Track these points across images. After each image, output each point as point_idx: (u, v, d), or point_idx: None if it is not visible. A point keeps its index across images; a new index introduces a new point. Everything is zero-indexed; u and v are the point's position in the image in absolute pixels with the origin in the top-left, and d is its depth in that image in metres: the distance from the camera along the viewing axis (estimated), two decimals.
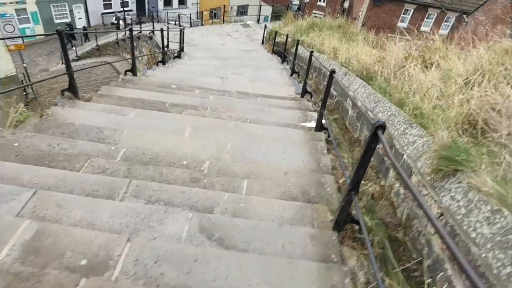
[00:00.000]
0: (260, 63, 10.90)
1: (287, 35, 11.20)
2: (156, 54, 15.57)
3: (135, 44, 20.83)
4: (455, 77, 3.78)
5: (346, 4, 42.01)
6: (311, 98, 6.70)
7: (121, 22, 26.56)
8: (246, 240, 2.27)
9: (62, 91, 4.59)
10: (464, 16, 23.01)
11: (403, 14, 28.40)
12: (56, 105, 4.37)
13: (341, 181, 3.42)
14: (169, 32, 12.80)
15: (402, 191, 3.05)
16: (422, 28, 28.33)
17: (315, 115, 5.47)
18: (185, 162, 3.30)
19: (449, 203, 2.21)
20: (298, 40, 8.63)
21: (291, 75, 9.06)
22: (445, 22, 28.03)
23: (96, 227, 2.27)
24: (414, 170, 2.89)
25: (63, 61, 25.08)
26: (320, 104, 4.58)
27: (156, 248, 2.08)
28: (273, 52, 13.55)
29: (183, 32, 11.89)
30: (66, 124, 3.81)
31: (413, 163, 2.94)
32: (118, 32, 23.61)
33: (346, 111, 5.61)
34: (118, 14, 27.69)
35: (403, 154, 3.21)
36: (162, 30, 8.14)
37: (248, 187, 2.98)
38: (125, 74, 6.62)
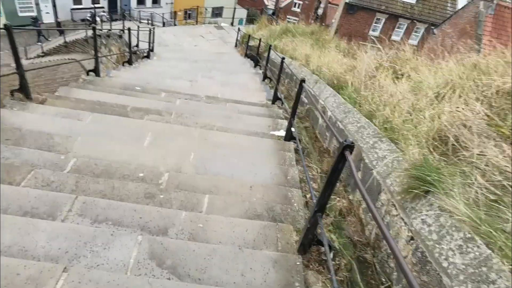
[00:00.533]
0: (232, 67, 10.69)
1: (260, 39, 11.07)
2: (125, 54, 15.08)
3: (104, 42, 20.05)
4: (426, 89, 3.73)
5: (320, 11, 42.70)
6: (282, 105, 6.56)
7: (97, 18, 25.47)
8: (202, 267, 2.04)
9: (12, 91, 4.19)
10: (432, 28, 23.85)
11: (375, 23, 29.07)
12: (3, 106, 3.97)
13: (308, 195, 3.26)
14: (140, 32, 12.36)
15: None
16: (393, 38, 29.15)
17: (285, 123, 5.33)
18: (141, 175, 3.03)
19: (420, 227, 2.09)
20: (271, 46, 8.50)
21: (263, 80, 8.91)
22: (414, 32, 28.95)
23: (28, 254, 1.97)
24: (383, 188, 2.77)
25: (27, 57, 23.86)
26: (290, 112, 4.43)
27: (97, 280, 1.81)
28: (246, 56, 13.39)
29: (153, 32, 11.49)
30: (12, 129, 3.43)
31: (382, 180, 2.82)
32: (87, 30, 22.70)
33: (317, 119, 5.50)
34: (94, 11, 26.61)
35: (372, 170, 3.10)
36: (129, 29, 7.77)
37: (209, 203, 2.76)
38: (87, 74, 6.22)
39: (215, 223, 2.47)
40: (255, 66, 11.19)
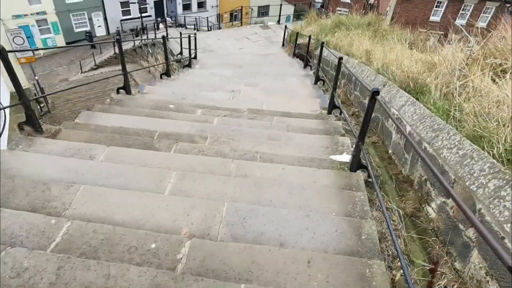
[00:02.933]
0: (279, 70, 9.68)
1: (310, 36, 9.93)
2: (171, 62, 14.74)
3: (150, 51, 20.05)
4: None
5: (371, 0, 40.00)
6: (340, 114, 5.43)
7: (161, 25, 25.35)
8: None
9: (19, 124, 3.58)
10: (508, 5, 20.83)
11: (436, 7, 26.27)
12: (9, 144, 3.36)
13: (398, 274, 2.17)
14: (183, 38, 11.81)
15: None
16: (458, 21, 26.17)
17: (347, 141, 4.22)
18: (153, 246, 2.15)
19: None
20: (323, 43, 7.35)
21: (315, 83, 7.79)
22: (483, 13, 25.70)
23: None
24: None
25: (82, 70, 24.89)
26: (356, 133, 3.34)
27: None
28: (295, 55, 12.30)
29: (195, 38, 10.86)
30: (5, 178, 2.75)
31: None
32: (135, 40, 23.09)
33: (389, 133, 4.31)
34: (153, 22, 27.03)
35: (503, 238, 1.93)
36: (164, 38, 7.09)
37: None
38: (117, 92, 5.60)
39: None
40: (305, 67, 10.08)
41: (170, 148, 3.58)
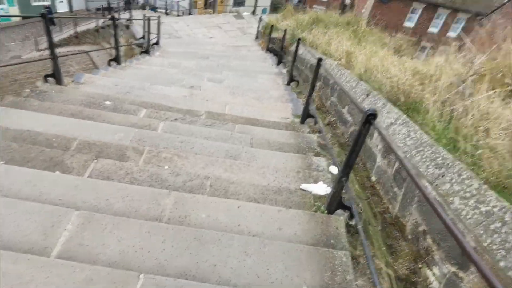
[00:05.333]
0: (249, 65, 8.75)
1: (285, 30, 9.08)
2: (133, 46, 13.41)
3: (112, 33, 18.55)
4: None
5: (347, 1, 39.74)
6: (315, 124, 4.63)
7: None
8: None
9: None
10: (479, 18, 21.00)
11: (411, 13, 26.25)
12: None
13: None
14: (150, 22, 10.55)
15: None
16: (430, 29, 26.34)
17: (323, 163, 3.41)
18: None
19: None
20: (299, 39, 6.52)
21: (288, 83, 6.96)
22: (455, 23, 25.98)
23: None
24: None
25: (37, 48, 22.74)
26: (340, 166, 2.54)
27: None
28: (268, 50, 11.41)
29: (158, 22, 9.70)
30: None
31: None
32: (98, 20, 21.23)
33: (371, 154, 3.55)
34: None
35: None
36: (113, 18, 5.97)
37: None
38: (45, 81, 4.48)
39: None
40: (278, 64, 9.22)
41: (85, 168, 2.60)
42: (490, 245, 1.73)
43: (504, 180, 1.99)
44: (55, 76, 4.45)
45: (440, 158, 2.47)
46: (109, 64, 6.36)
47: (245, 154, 3.34)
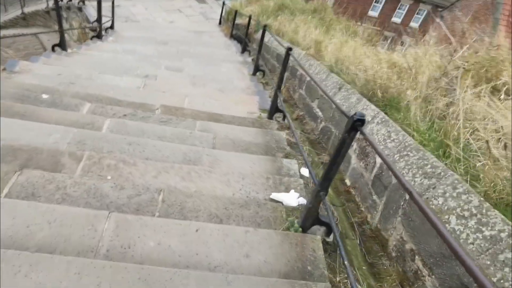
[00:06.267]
0: (212, 52, 8.18)
1: (250, 16, 8.58)
2: (87, 29, 12.33)
3: (65, 15, 17.13)
4: None
5: None
6: (283, 119, 4.26)
7: None
8: None
9: None
10: (440, 10, 21.49)
11: (375, 2, 26.47)
12: None
13: None
14: (102, 4, 9.61)
15: None
16: (393, 19, 26.76)
17: (294, 166, 3.05)
18: None
19: None
20: (265, 25, 6.08)
21: (254, 73, 6.52)
22: (417, 14, 26.55)
23: None
24: None
25: None
26: (318, 179, 2.17)
27: None
28: (232, 36, 10.85)
29: (112, 4, 8.86)
30: None
31: None
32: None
33: (346, 157, 3.23)
34: None
35: None
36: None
37: None
38: None
39: None
40: (242, 52, 8.73)
41: (5, 183, 2.06)
42: (502, 281, 1.43)
43: (507, 197, 1.71)
44: None
45: (429, 166, 2.17)
46: (53, 50, 5.58)
47: (206, 157, 2.90)
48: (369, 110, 3.21)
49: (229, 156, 2.98)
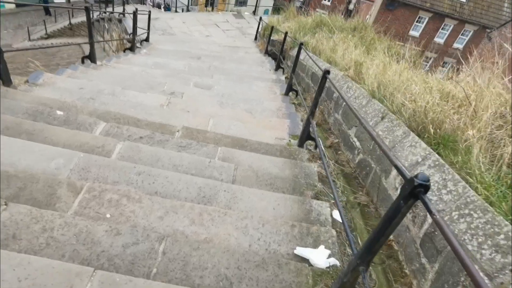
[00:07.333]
0: (246, 69, 7.91)
1: (286, 32, 8.27)
2: (125, 41, 12.60)
3: (106, 26, 17.72)
4: None
5: (351, 6, 38.94)
6: (315, 149, 3.82)
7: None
8: None
9: None
10: (488, 31, 20.29)
11: (417, 22, 25.55)
12: None
13: None
14: (137, 16, 9.70)
15: None
16: (436, 40, 25.66)
17: (326, 210, 2.60)
18: None
19: None
20: (301, 43, 5.71)
21: (286, 93, 6.14)
22: (461, 35, 25.30)
23: None
24: None
25: (30, 38, 21.83)
26: (359, 250, 1.73)
27: None
28: (267, 52, 10.59)
29: (149, 17, 8.85)
30: None
31: None
32: (93, 12, 20.35)
33: (387, 200, 2.74)
34: None
35: None
36: (88, 9, 5.10)
37: None
38: None
39: None
40: (276, 69, 8.40)
41: None
42: None
43: None
44: (2, 77, 3.59)
45: (503, 237, 1.66)
46: (82, 62, 5.50)
47: (223, 194, 2.52)
48: (419, 149, 2.72)
49: (250, 194, 2.58)
